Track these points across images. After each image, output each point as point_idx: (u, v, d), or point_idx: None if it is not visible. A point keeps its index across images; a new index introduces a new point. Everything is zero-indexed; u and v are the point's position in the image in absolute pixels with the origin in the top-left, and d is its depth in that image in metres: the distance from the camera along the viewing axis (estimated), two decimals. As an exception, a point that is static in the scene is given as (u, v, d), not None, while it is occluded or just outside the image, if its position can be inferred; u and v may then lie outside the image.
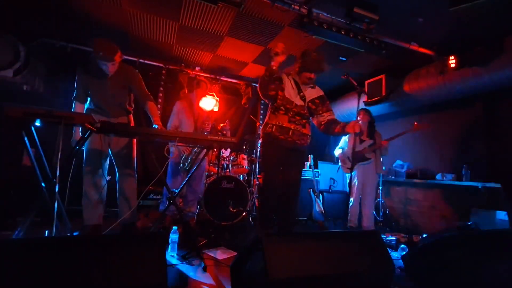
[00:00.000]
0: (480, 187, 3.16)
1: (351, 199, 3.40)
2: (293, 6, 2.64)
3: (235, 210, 3.32)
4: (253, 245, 1.28)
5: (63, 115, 1.67)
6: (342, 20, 2.85)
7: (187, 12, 3.13)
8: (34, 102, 3.86)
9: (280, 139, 2.19)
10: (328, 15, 2.81)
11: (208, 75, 4.86)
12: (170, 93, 4.73)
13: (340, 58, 3.97)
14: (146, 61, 4.39)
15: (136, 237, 1.09)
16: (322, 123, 2.31)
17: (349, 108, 4.79)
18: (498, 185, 3.05)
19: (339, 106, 4.99)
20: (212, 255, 2.16)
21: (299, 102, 2.27)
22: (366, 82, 4.23)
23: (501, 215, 2.97)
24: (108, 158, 2.43)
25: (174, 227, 2.12)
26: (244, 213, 3.39)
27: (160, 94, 4.72)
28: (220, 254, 2.19)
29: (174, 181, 2.96)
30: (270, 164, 2.25)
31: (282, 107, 2.23)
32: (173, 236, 2.08)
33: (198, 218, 3.31)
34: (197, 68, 4.73)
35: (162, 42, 3.88)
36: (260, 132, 2.38)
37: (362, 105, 3.92)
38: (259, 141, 2.44)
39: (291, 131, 2.21)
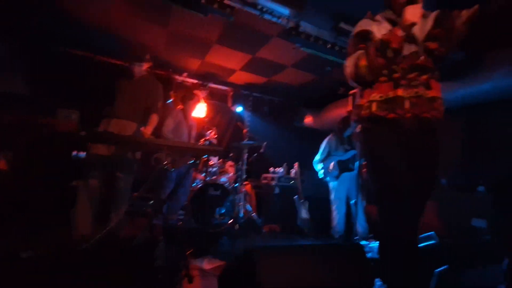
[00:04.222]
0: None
1: (335, 207, 3.46)
2: (281, 19, 2.71)
3: (221, 218, 3.32)
4: (244, 256, 1.30)
5: (45, 123, 1.63)
6: (329, 34, 2.96)
7: (176, 20, 3.14)
8: (13, 103, 3.71)
9: (390, 120, 1.29)
10: (315, 29, 2.91)
11: (196, 81, 4.86)
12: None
13: (327, 68, 4.09)
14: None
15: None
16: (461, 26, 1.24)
17: (337, 115, 4.87)
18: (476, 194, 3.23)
19: (327, 115, 5.12)
20: (198, 264, 2.16)
21: (408, 48, 1.31)
22: (351, 92, 4.37)
23: (477, 222, 3.15)
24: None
25: (160, 237, 2.10)
26: (230, 221, 3.40)
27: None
28: (207, 264, 2.19)
29: (165, 190, 2.94)
30: (383, 161, 1.32)
31: (382, 71, 1.31)
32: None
33: (184, 226, 3.28)
34: (184, 74, 4.72)
35: (150, 46, 3.85)
36: (353, 120, 1.51)
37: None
38: (355, 132, 1.55)
39: (406, 101, 1.27)
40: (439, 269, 1.50)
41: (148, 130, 2.44)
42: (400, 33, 1.20)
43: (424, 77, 1.29)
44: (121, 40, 3.67)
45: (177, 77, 4.69)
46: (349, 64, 1.35)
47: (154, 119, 2.55)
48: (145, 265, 1.56)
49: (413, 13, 1.17)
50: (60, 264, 0.99)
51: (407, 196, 1.24)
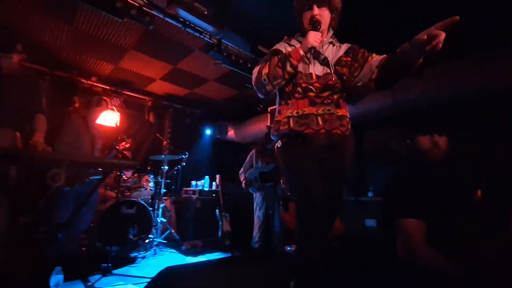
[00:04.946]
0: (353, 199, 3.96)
1: (255, 217, 3.61)
2: (203, 34, 2.75)
3: (135, 238, 3.02)
4: (159, 278, 1.22)
5: None
6: (249, 54, 3.16)
7: (85, 18, 2.80)
8: None
9: (305, 135, 1.40)
10: (236, 48, 3.06)
11: (108, 87, 4.40)
12: (56, 106, 4.00)
13: (247, 85, 4.31)
14: (25, 64, 3.61)
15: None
16: (375, 68, 1.41)
17: (257, 130, 5.15)
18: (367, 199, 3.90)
19: (248, 129, 5.35)
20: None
21: (320, 70, 1.46)
22: (269, 108, 4.72)
23: (369, 222, 3.78)
24: None
25: (58, 267, 1.77)
26: (146, 241, 3.13)
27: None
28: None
29: (61, 212, 2.48)
30: (300, 176, 1.41)
31: (297, 89, 1.44)
32: (57, 278, 1.74)
33: (91, 250, 2.85)
34: (93, 78, 4.21)
35: (48, 43, 3.30)
36: (271, 134, 1.56)
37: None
38: (275, 146, 1.56)
39: (319, 118, 1.40)
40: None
41: (39, 137, 1.98)
42: (301, 52, 1.38)
43: (335, 96, 1.43)
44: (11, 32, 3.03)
45: (83, 80, 4.14)
46: (254, 71, 1.48)
47: (40, 120, 2.11)
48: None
49: (313, 38, 1.33)
50: None
51: (320, 205, 1.34)
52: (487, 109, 3.11)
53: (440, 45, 1.07)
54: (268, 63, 1.41)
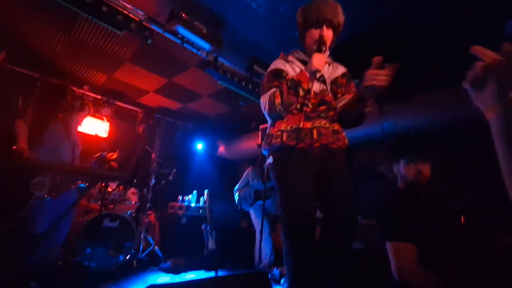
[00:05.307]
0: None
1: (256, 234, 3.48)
2: (200, 51, 2.82)
3: (116, 254, 2.90)
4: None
5: None
6: (243, 73, 3.24)
7: (82, 27, 2.82)
8: None
9: (299, 150, 1.36)
10: (232, 66, 3.14)
11: (99, 97, 4.36)
12: (44, 112, 3.92)
13: (240, 103, 4.38)
14: (13, 67, 3.56)
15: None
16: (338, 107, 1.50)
17: (248, 147, 5.17)
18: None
19: (238, 146, 5.36)
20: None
21: (317, 86, 1.48)
22: (261, 127, 4.76)
23: (356, 244, 3.76)
24: None
25: (32, 282, 1.67)
26: (127, 257, 3.00)
27: (29, 110, 3.84)
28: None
29: (38, 222, 2.36)
30: (294, 190, 1.35)
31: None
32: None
33: (68, 265, 2.70)
34: (85, 87, 4.18)
35: (43, 49, 3.29)
36: (262, 148, 1.54)
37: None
38: (267, 163, 1.51)
39: (315, 131, 1.39)
40: None
41: (23, 143, 1.92)
42: (307, 75, 1.38)
43: (331, 113, 1.46)
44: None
45: (75, 89, 4.10)
46: (264, 101, 1.46)
47: (19, 127, 2.03)
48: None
49: (318, 60, 1.35)
50: None
51: (312, 223, 1.31)
52: (471, 137, 3.26)
53: (381, 82, 1.17)
54: (278, 92, 1.40)
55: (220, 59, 3.02)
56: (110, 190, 3.42)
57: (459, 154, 3.18)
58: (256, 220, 3.60)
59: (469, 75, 0.59)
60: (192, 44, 2.70)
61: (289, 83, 1.39)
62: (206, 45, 2.50)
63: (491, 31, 2.35)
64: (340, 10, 1.44)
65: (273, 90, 1.43)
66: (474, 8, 2.16)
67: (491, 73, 0.56)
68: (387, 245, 1.38)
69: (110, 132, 4.50)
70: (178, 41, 2.63)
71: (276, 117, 1.44)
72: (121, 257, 2.92)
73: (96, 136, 4.20)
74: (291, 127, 1.40)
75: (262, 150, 1.53)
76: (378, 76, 1.17)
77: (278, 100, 1.38)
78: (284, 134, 1.39)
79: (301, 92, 1.37)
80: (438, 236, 1.40)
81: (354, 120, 1.44)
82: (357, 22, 2.35)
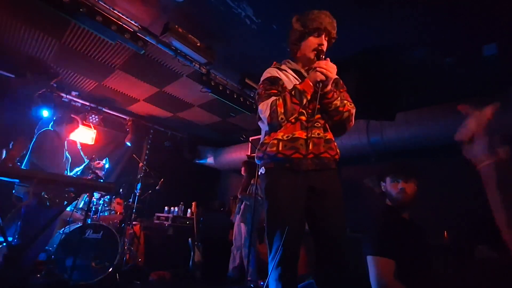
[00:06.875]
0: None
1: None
2: (194, 63, 2.84)
3: (98, 266, 2.80)
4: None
5: None
6: (235, 85, 3.28)
7: (74, 34, 2.80)
8: None
9: (294, 160, 1.35)
10: (224, 78, 3.18)
11: (87, 103, 4.30)
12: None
13: (231, 114, 4.41)
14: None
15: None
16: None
17: (237, 158, 5.16)
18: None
19: (227, 156, 5.35)
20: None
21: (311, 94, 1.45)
22: (251, 138, 4.80)
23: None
24: None
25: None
26: (110, 269, 2.90)
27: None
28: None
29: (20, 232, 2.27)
30: (282, 205, 1.33)
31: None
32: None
33: (48, 277, 2.58)
34: (73, 93, 4.11)
35: (31, 54, 3.23)
36: (256, 158, 1.52)
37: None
38: (259, 172, 1.49)
39: (310, 141, 1.37)
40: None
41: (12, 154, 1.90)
42: (310, 84, 1.35)
43: (322, 121, 1.44)
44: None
45: (62, 94, 4.03)
46: (264, 109, 1.42)
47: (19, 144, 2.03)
48: None
49: (333, 70, 1.33)
50: None
51: (299, 238, 1.29)
52: (455, 154, 3.39)
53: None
54: (281, 101, 1.37)
55: (212, 71, 3.05)
56: (94, 199, 3.33)
57: (444, 173, 3.30)
58: (240, 233, 3.56)
59: (461, 132, 0.65)
60: (185, 56, 2.72)
61: (293, 92, 1.38)
62: (200, 58, 2.53)
63: (469, 54, 2.51)
64: (335, 25, 1.46)
65: (274, 98, 1.40)
66: (452, 32, 2.30)
67: (480, 132, 0.62)
68: (367, 258, 1.43)
69: (97, 140, 4.41)
70: (172, 53, 2.65)
71: (276, 126, 1.41)
72: (104, 270, 2.82)
73: (82, 143, 4.11)
74: (287, 136, 1.38)
75: (256, 160, 1.51)
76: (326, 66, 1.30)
77: (280, 109, 1.35)
78: (280, 144, 1.37)
79: (304, 102, 1.37)
80: (420, 252, 1.46)
81: (340, 123, 1.46)
82: (346, 43, 2.45)
